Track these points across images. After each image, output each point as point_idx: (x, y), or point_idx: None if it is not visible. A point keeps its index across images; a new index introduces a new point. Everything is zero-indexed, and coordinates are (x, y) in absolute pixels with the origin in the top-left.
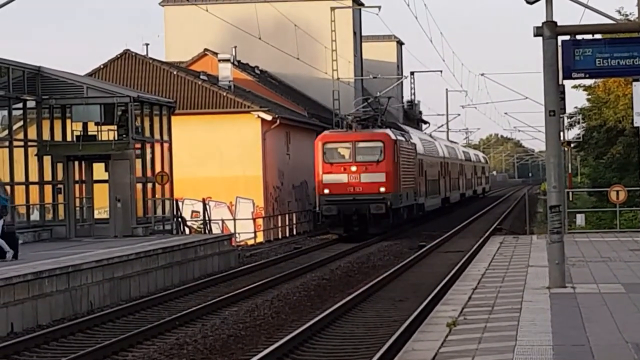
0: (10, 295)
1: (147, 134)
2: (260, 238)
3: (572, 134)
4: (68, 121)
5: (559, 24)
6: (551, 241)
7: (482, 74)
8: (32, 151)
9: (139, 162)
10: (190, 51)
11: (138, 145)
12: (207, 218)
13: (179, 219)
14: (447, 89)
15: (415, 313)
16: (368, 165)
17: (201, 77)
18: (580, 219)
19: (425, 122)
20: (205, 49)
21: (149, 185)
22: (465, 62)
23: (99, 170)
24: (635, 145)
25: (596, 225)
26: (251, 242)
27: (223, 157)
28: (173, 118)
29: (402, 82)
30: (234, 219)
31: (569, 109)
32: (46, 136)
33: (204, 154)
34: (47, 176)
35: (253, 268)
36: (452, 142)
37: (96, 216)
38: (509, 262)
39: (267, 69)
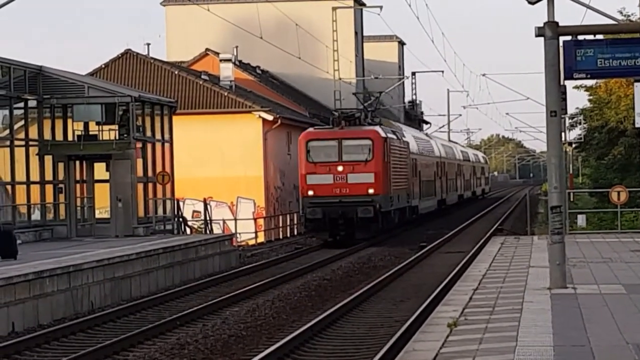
0: (11, 294)
1: (148, 133)
2: (261, 238)
3: (573, 134)
4: (69, 121)
5: (560, 24)
6: (552, 242)
7: (484, 74)
8: (33, 151)
9: (140, 161)
10: (192, 51)
11: (139, 145)
12: (208, 218)
13: (180, 219)
14: (448, 89)
15: (416, 313)
16: (355, 164)
17: (202, 77)
18: (581, 220)
19: (427, 123)
20: (207, 49)
21: (150, 185)
22: (467, 62)
23: (100, 170)
24: (637, 146)
25: (597, 226)
26: (252, 242)
27: (224, 157)
28: (174, 118)
29: (403, 83)
30: (235, 219)
31: (571, 109)
32: (47, 136)
33: (205, 154)
34: (48, 176)
35: (254, 268)
36: (452, 142)
37: (97, 216)
38: (509, 262)
39: (268, 68)
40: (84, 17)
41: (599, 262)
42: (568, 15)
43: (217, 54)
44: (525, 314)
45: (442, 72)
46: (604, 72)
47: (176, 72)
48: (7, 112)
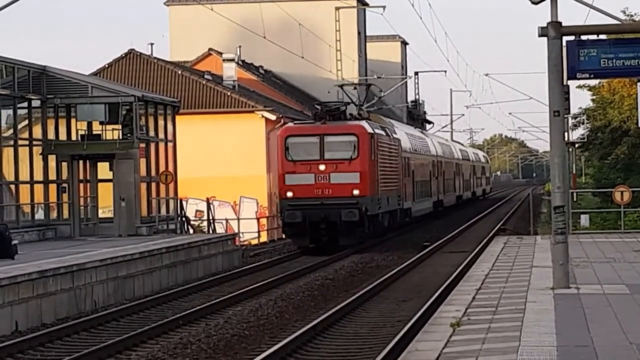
0: (14, 294)
1: (152, 133)
2: (264, 238)
3: (576, 134)
4: (73, 120)
5: (563, 24)
6: (555, 242)
7: (487, 74)
8: (36, 150)
9: (143, 161)
10: (195, 51)
11: (142, 145)
12: (211, 217)
13: (183, 219)
14: (451, 89)
15: (419, 313)
16: (339, 163)
17: (205, 76)
18: (584, 220)
19: (430, 122)
20: (210, 49)
21: (153, 185)
22: (470, 62)
23: (103, 169)
24: None
25: (600, 226)
26: (255, 241)
27: (227, 157)
28: (177, 117)
29: (406, 82)
30: (238, 219)
31: (574, 109)
32: (51, 135)
33: (208, 154)
34: (52, 175)
35: (257, 268)
36: (455, 141)
37: (100, 215)
38: (513, 262)
39: (271, 68)
40: (88, 17)
41: (602, 262)
42: (571, 15)
43: (220, 53)
44: (528, 314)
45: (445, 72)
46: (607, 72)
47: (179, 72)
48: (11, 111)
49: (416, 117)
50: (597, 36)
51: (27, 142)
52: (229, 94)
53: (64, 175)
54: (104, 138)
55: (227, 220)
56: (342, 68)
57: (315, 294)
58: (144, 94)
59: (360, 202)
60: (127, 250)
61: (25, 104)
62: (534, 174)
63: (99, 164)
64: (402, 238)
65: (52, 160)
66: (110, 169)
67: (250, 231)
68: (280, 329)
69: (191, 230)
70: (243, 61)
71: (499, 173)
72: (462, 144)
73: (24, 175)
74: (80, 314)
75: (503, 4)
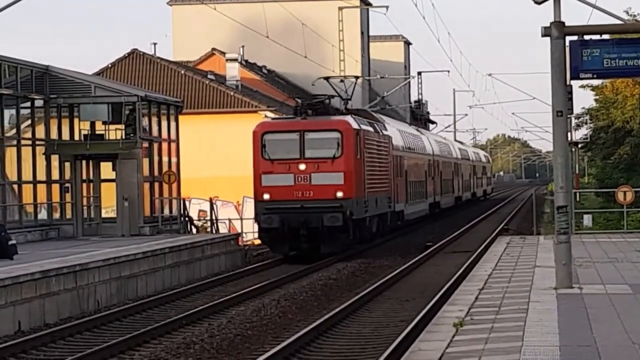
0: (17, 293)
1: (155, 133)
2: None
3: (579, 134)
4: (76, 120)
5: (566, 24)
6: (558, 242)
7: (490, 74)
8: (40, 150)
9: (146, 161)
10: (198, 50)
11: (145, 145)
12: (214, 217)
13: (186, 219)
14: (454, 89)
15: (422, 313)
16: (321, 162)
17: (209, 76)
18: (587, 220)
19: (433, 122)
20: (213, 49)
21: (156, 185)
22: (473, 62)
23: (106, 169)
24: None
25: (603, 226)
26: (258, 241)
27: (230, 157)
28: (180, 117)
29: (409, 82)
30: (241, 219)
31: (577, 109)
32: (54, 135)
33: (211, 154)
34: (55, 175)
35: (260, 267)
36: (458, 141)
37: (103, 215)
38: (515, 262)
39: (274, 68)
40: (91, 16)
41: (605, 262)
42: (574, 15)
43: (224, 53)
44: (531, 314)
45: (448, 72)
46: (610, 72)
47: (182, 72)
48: (14, 111)
49: (419, 117)
50: (600, 36)
51: (30, 142)
52: (232, 93)
53: (67, 175)
54: (107, 138)
55: (230, 220)
56: (345, 68)
57: (319, 294)
58: (147, 93)
59: (345, 206)
60: (130, 250)
61: (28, 104)
62: (537, 174)
63: (102, 164)
64: (403, 239)
65: (55, 160)
66: (113, 169)
67: (253, 231)
68: (284, 329)
69: (194, 230)
70: (246, 61)
71: (501, 173)
72: (463, 143)
73: (27, 175)
74: (83, 313)
75: (506, 4)
